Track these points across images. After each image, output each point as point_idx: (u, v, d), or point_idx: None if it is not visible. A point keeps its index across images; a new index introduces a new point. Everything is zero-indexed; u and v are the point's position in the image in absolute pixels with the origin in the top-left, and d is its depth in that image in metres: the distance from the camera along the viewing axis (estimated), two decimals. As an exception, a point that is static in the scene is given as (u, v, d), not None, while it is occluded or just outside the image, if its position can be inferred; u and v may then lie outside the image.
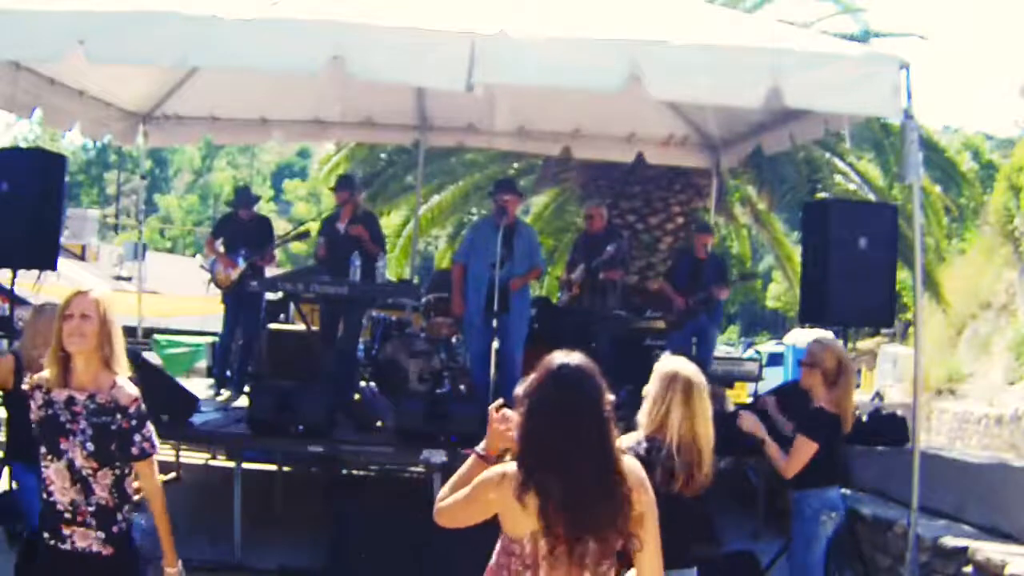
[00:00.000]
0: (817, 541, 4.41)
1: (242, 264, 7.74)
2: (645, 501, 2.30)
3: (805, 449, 4.27)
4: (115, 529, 3.17)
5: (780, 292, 28.94)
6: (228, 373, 8.19)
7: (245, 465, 6.10)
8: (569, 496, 2.17)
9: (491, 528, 2.39)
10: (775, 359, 21.85)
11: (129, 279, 24.01)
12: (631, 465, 2.32)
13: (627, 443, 2.95)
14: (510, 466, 2.28)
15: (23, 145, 30.12)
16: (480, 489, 2.31)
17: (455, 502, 2.38)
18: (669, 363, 3.34)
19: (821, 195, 10.47)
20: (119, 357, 3.20)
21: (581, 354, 2.35)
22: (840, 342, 4.85)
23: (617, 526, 2.22)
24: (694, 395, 3.21)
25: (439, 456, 5.69)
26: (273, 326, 8.46)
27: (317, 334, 7.36)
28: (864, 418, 7.51)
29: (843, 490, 4.93)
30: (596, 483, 2.19)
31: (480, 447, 2.50)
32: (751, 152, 8.66)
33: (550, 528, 2.18)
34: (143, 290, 11.96)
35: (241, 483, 5.84)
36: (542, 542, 2.20)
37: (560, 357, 2.34)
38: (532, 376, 2.34)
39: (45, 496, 3.09)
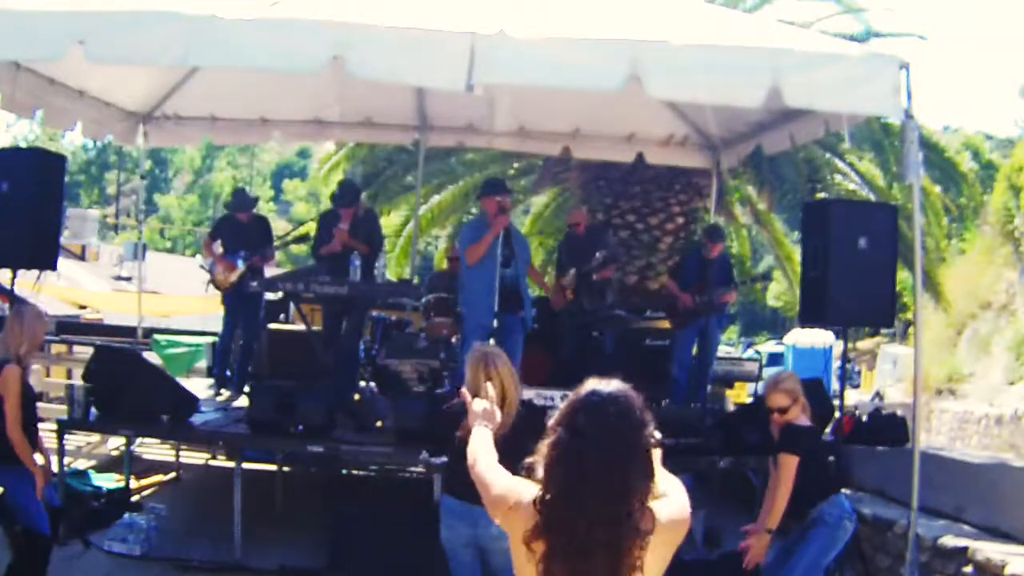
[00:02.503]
0: (836, 546, 4.61)
1: (241, 266, 7.73)
2: (661, 553, 2.05)
3: (789, 464, 4.50)
4: None
5: (780, 292, 28.92)
6: (228, 373, 8.19)
7: (245, 465, 6.09)
8: (572, 547, 1.98)
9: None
10: (775, 359, 21.88)
11: (129, 279, 24.02)
12: (660, 512, 2.05)
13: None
14: (526, 493, 2.10)
15: (23, 145, 30.22)
16: (510, 494, 2.15)
17: (497, 480, 2.24)
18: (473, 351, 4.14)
19: (821, 195, 10.47)
20: None
21: (619, 385, 2.09)
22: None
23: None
24: (493, 364, 3.97)
25: (439, 456, 5.68)
26: (273, 326, 8.46)
27: (317, 334, 7.36)
28: (864, 418, 7.52)
29: (844, 491, 4.94)
30: (606, 535, 1.98)
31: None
32: (751, 152, 8.65)
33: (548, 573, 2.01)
34: (143, 290, 11.98)
35: (241, 483, 5.84)
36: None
37: (592, 392, 2.07)
38: (562, 408, 2.08)
39: None
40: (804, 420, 4.67)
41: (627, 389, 2.08)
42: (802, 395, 4.68)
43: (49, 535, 4.64)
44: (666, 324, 8.31)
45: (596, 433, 2.00)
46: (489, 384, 3.20)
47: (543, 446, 2.08)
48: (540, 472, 2.07)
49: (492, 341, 6.48)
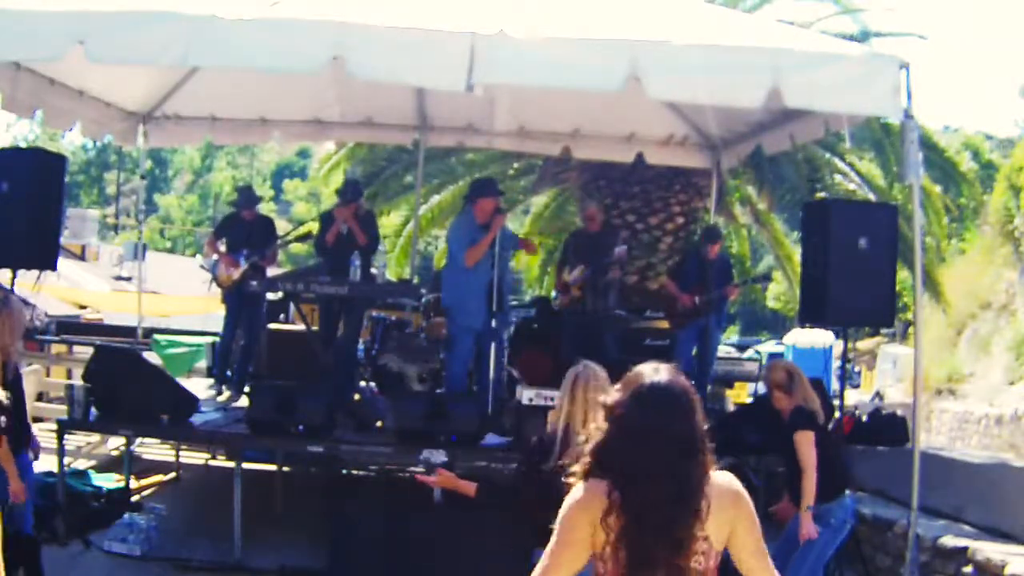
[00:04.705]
0: (836, 544, 4.71)
1: (244, 264, 7.74)
2: (728, 517, 2.18)
3: (806, 440, 4.60)
4: None
5: (780, 292, 28.89)
6: (228, 373, 8.19)
7: (245, 465, 6.10)
8: (647, 518, 2.07)
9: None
10: (775, 359, 21.84)
11: (129, 279, 24.03)
12: (721, 483, 2.20)
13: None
14: (586, 486, 2.16)
15: (23, 145, 30.20)
16: (573, 519, 2.13)
17: (548, 557, 2.15)
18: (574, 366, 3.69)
19: (821, 195, 10.47)
20: None
21: (669, 369, 2.23)
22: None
23: (691, 546, 2.11)
24: (578, 389, 3.54)
25: (439, 456, 5.70)
26: (273, 326, 8.46)
27: (317, 334, 7.36)
28: (864, 418, 7.52)
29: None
30: (674, 506, 2.09)
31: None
32: (751, 152, 8.64)
33: (630, 546, 2.08)
34: (143, 290, 11.97)
35: (241, 483, 5.84)
36: (622, 554, 2.09)
37: (649, 374, 2.21)
38: (618, 390, 2.21)
39: None
40: (798, 402, 4.80)
41: (678, 377, 2.21)
42: (800, 385, 4.79)
43: (32, 534, 4.56)
44: (666, 324, 8.31)
45: (654, 419, 2.12)
46: None
47: (602, 432, 2.16)
48: (597, 456, 2.15)
49: (493, 345, 6.52)
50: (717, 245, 8.05)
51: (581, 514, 2.12)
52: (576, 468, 2.19)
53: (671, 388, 2.17)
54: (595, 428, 2.20)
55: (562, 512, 2.15)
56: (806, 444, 4.58)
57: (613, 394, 2.20)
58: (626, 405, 2.15)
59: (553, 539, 2.14)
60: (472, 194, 7.03)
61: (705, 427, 2.17)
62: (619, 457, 2.11)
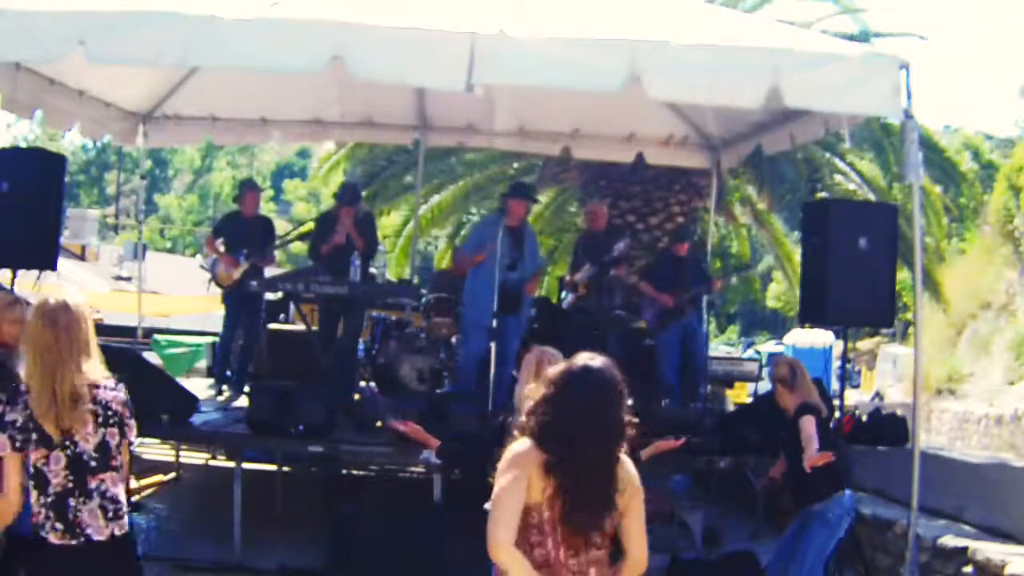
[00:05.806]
0: (835, 538, 4.73)
1: (244, 264, 7.75)
2: (631, 492, 2.54)
3: (809, 422, 4.67)
4: None
5: (780, 292, 28.90)
6: (228, 373, 8.19)
7: (245, 465, 6.10)
8: (582, 484, 2.39)
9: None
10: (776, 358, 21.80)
11: (129, 279, 24.03)
12: (626, 463, 2.54)
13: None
14: (529, 444, 2.45)
15: (23, 145, 30.19)
16: (521, 462, 2.43)
17: (504, 496, 2.42)
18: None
19: (821, 195, 10.47)
20: None
21: (606, 360, 2.50)
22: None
23: (612, 514, 2.47)
24: (543, 370, 3.56)
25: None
26: (273, 326, 8.46)
27: (317, 334, 7.36)
28: (864, 418, 7.52)
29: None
30: (603, 475, 2.42)
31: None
32: (751, 152, 8.64)
33: (564, 506, 2.40)
34: (143, 290, 11.97)
35: (241, 483, 5.85)
36: (557, 506, 2.39)
37: (586, 359, 2.51)
38: (558, 370, 2.50)
39: None
40: (800, 397, 4.92)
41: (612, 365, 2.51)
42: (802, 380, 4.91)
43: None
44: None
45: (591, 398, 2.43)
46: None
47: (536, 400, 2.48)
48: (533, 421, 2.45)
49: (494, 344, 6.51)
50: (686, 244, 8.10)
51: (525, 467, 2.41)
52: (519, 421, 2.52)
53: (601, 374, 2.45)
54: (532, 391, 2.52)
55: (508, 461, 2.44)
56: (809, 425, 4.65)
57: (554, 368, 2.52)
58: (560, 380, 2.44)
59: (505, 484, 2.41)
60: (504, 195, 7.24)
61: (627, 418, 2.47)
62: (552, 424, 2.41)
